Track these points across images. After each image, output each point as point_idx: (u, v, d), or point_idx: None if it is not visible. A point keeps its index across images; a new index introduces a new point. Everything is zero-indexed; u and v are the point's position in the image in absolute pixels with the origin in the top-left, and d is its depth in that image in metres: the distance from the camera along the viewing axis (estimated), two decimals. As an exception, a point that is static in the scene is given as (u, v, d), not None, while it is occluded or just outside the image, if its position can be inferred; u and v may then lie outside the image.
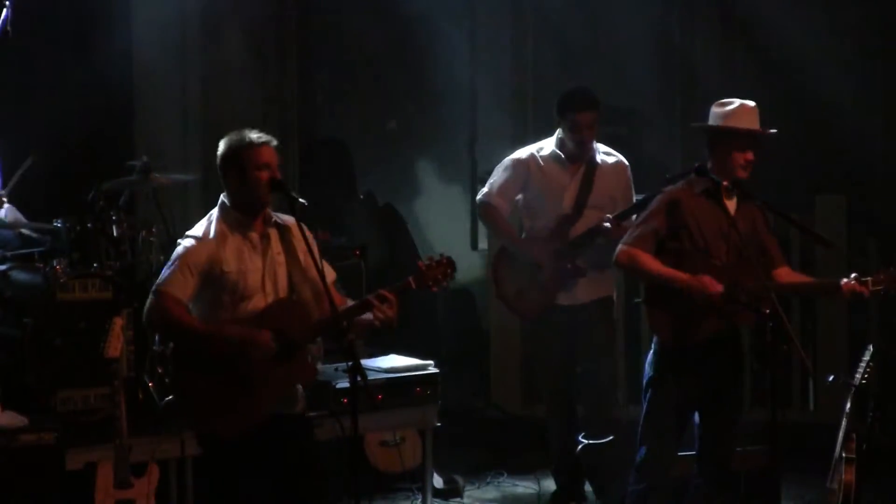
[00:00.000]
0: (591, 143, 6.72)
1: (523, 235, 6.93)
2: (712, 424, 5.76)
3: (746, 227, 5.61)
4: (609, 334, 6.93)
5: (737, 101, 5.67)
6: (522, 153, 6.85)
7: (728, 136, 5.62)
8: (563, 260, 6.63)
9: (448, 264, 5.19)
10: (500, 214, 6.83)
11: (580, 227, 6.65)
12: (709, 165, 5.66)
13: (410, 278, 5.14)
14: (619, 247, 5.71)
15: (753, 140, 5.61)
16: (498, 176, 6.86)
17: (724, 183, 5.59)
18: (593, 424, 6.75)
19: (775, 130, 5.74)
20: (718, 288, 5.49)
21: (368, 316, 5.10)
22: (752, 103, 5.69)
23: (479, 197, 6.95)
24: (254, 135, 5.09)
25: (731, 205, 5.67)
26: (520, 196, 6.84)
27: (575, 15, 9.15)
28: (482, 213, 6.95)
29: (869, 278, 5.53)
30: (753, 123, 5.64)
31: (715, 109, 5.70)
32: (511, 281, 6.81)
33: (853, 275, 5.56)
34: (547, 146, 6.82)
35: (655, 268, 5.60)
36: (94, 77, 7.96)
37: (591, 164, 6.74)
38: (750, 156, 5.60)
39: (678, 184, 5.76)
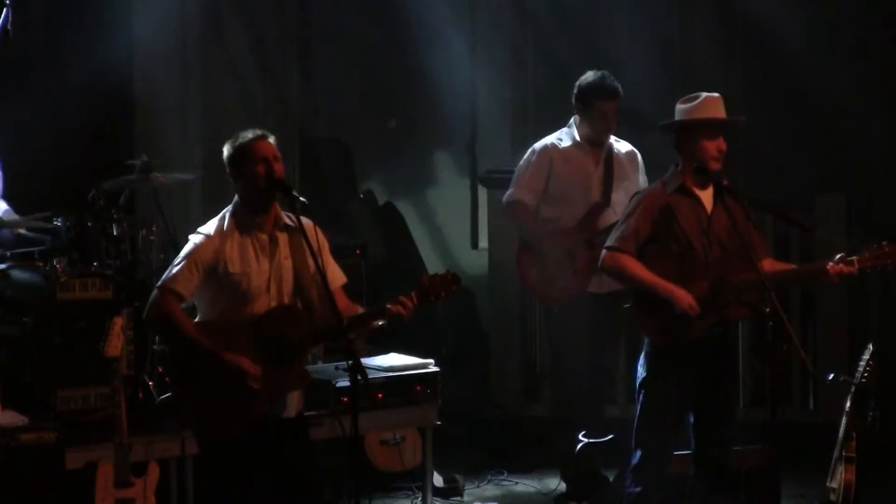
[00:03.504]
0: (613, 130, 6.74)
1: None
2: (707, 423, 5.75)
3: (725, 221, 5.59)
4: (618, 332, 6.93)
5: (702, 94, 5.70)
6: (543, 145, 6.85)
7: (695, 129, 5.63)
8: (595, 249, 6.59)
9: (452, 280, 5.17)
10: (529, 211, 6.81)
11: (610, 216, 6.63)
12: (679, 163, 5.67)
13: (413, 293, 5.11)
14: (604, 251, 5.71)
15: (721, 129, 5.61)
16: (522, 172, 6.85)
17: (725, 182, 5.59)
18: (591, 421, 6.74)
19: (743, 118, 5.74)
20: (696, 309, 5.48)
21: (377, 322, 5.10)
22: (715, 94, 5.71)
23: (506, 196, 6.91)
24: (249, 132, 5.12)
25: (707, 200, 5.67)
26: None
27: (575, 15, 9.15)
28: (510, 211, 6.90)
29: (855, 258, 5.53)
30: (719, 113, 5.65)
31: (680, 106, 5.72)
32: (538, 270, 6.78)
33: (838, 256, 5.55)
34: (565, 136, 6.83)
35: (640, 274, 5.60)
36: (94, 77, 7.95)
37: (609, 151, 6.77)
38: (722, 145, 5.59)
39: (652, 184, 5.77)
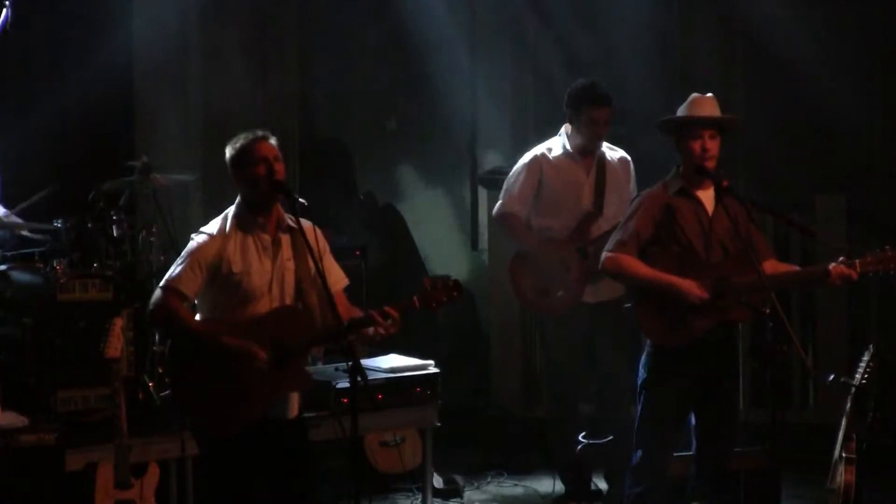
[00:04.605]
0: (603, 137, 6.73)
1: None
2: (708, 424, 5.75)
3: (726, 223, 5.59)
4: (617, 337, 6.91)
5: (692, 95, 5.70)
6: (533, 155, 6.81)
7: (679, 129, 5.65)
8: (588, 258, 6.59)
9: (454, 287, 5.16)
10: (520, 222, 6.78)
11: (602, 224, 6.62)
12: (680, 165, 5.68)
13: (414, 298, 5.12)
14: (604, 253, 5.70)
15: (704, 127, 5.59)
16: (511, 183, 6.81)
17: (725, 183, 5.58)
18: (612, 423, 6.73)
19: (732, 116, 5.73)
20: (704, 294, 5.48)
21: (369, 330, 5.11)
22: (709, 94, 5.71)
23: (497, 208, 6.88)
24: (250, 133, 5.14)
25: (708, 201, 5.66)
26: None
27: (575, 15, 9.15)
28: (502, 223, 6.88)
29: (857, 261, 5.52)
30: (704, 111, 5.64)
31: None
32: (533, 283, 6.75)
33: (840, 259, 5.54)
34: (555, 145, 6.80)
35: (642, 272, 5.60)
36: (94, 77, 7.96)
37: (601, 159, 6.75)
38: (707, 143, 5.58)
39: (654, 186, 5.77)
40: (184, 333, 5.09)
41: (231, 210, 5.18)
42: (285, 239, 5.17)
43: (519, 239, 6.83)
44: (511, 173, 6.88)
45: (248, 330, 5.06)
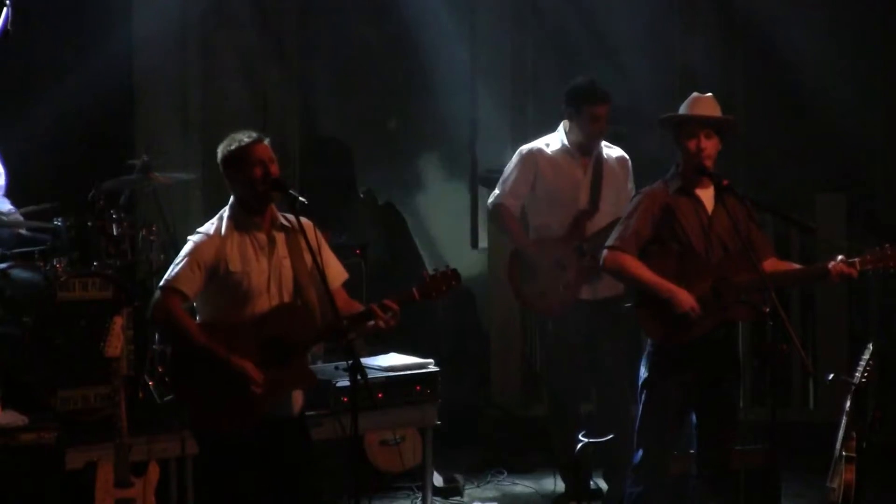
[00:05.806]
0: (604, 135, 6.73)
1: (531, 234, 6.86)
2: (709, 423, 5.74)
3: (726, 222, 5.59)
4: (616, 335, 6.91)
5: (692, 95, 5.70)
6: (530, 148, 6.80)
7: (677, 127, 5.65)
8: (584, 256, 6.59)
9: (452, 276, 5.17)
10: (515, 218, 6.77)
11: (597, 222, 6.62)
12: (679, 163, 5.68)
13: (414, 289, 5.12)
14: (604, 251, 5.70)
15: (700, 127, 5.59)
16: (507, 175, 6.81)
17: (725, 182, 5.58)
18: (612, 422, 6.71)
19: (726, 117, 5.73)
20: (697, 309, 5.48)
21: (370, 323, 5.11)
22: (708, 94, 5.71)
23: (491, 200, 6.86)
24: (244, 136, 5.12)
25: (708, 200, 5.67)
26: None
27: (575, 14, 9.15)
28: (496, 215, 6.86)
29: (856, 259, 5.53)
30: (701, 111, 5.65)
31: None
32: (531, 282, 6.73)
33: (840, 257, 5.55)
34: (553, 141, 6.79)
35: (641, 274, 5.59)
36: (94, 77, 7.96)
37: (598, 157, 6.75)
38: (703, 142, 5.57)
39: (654, 184, 5.76)
40: (183, 337, 5.08)
41: (226, 210, 5.18)
42: (280, 237, 5.17)
43: (510, 232, 6.81)
44: (506, 167, 6.87)
45: (249, 329, 5.07)
